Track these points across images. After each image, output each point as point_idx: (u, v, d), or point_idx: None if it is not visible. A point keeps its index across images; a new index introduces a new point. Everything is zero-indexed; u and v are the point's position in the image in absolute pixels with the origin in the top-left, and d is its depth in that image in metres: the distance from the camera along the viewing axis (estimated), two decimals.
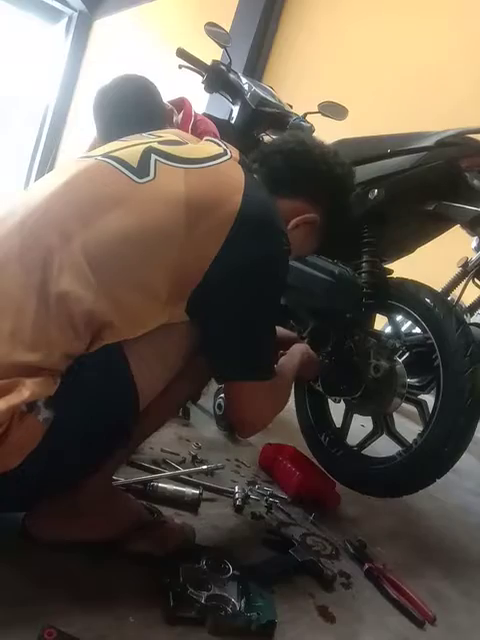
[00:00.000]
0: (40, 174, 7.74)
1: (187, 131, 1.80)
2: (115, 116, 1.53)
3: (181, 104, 1.90)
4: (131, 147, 0.91)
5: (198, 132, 1.83)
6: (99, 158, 0.88)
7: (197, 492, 1.18)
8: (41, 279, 0.76)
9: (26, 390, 0.72)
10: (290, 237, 0.93)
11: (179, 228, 0.81)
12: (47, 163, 7.75)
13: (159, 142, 0.92)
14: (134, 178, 0.84)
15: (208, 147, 0.96)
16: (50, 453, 0.76)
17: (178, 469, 1.31)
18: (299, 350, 1.24)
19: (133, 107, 1.52)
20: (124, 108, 1.52)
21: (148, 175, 0.84)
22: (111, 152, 0.89)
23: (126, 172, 0.84)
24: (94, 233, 0.79)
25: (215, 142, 0.99)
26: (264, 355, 0.95)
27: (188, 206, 0.82)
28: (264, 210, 0.90)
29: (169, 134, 0.98)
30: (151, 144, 0.91)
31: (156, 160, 0.87)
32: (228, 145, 0.99)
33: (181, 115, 1.85)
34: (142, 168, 0.85)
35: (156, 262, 0.81)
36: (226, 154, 0.94)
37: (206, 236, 0.83)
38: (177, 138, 0.97)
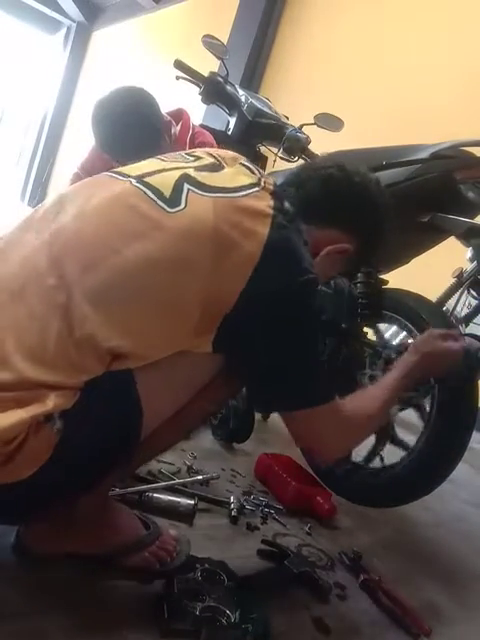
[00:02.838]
0: (37, 183, 7.78)
1: (185, 142, 1.81)
2: (114, 127, 1.54)
3: (179, 115, 1.91)
4: (167, 172, 0.89)
5: (196, 143, 1.84)
6: (133, 182, 0.86)
7: (192, 502, 1.18)
8: (65, 303, 0.76)
9: (50, 401, 0.73)
10: (318, 264, 0.91)
11: (205, 260, 0.80)
12: (44, 172, 7.79)
13: (195, 168, 0.90)
14: (165, 208, 0.82)
15: (242, 176, 0.92)
16: (58, 465, 0.76)
17: (173, 479, 1.31)
18: (403, 360, 1.08)
19: (132, 119, 1.53)
20: (123, 120, 1.53)
21: (179, 205, 0.82)
22: (145, 176, 0.87)
23: (158, 202, 0.83)
24: (120, 262, 0.78)
25: (250, 168, 0.96)
26: (308, 381, 0.89)
27: (215, 238, 0.81)
28: (290, 241, 0.87)
29: (207, 157, 0.96)
30: (187, 170, 0.89)
31: (188, 190, 0.85)
32: (262, 172, 0.96)
33: (179, 126, 1.87)
34: (174, 198, 0.83)
35: (182, 294, 0.80)
36: (259, 184, 0.91)
37: (233, 269, 0.81)
38: (214, 161, 0.94)
